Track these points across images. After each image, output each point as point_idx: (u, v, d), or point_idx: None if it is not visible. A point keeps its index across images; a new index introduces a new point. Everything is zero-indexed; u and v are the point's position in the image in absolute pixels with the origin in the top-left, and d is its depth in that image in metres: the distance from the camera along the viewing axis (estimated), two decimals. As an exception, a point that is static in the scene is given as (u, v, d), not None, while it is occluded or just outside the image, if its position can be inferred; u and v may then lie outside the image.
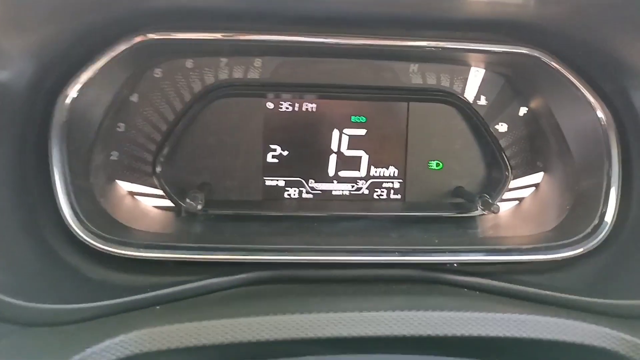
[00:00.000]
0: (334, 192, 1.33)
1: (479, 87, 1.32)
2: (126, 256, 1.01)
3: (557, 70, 1.14)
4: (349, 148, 1.31)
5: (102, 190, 1.16)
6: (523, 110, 1.33)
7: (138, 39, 1.04)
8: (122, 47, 1.04)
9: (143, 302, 0.93)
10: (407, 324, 0.83)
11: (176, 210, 1.27)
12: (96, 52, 1.05)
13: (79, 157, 1.09)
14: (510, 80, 1.31)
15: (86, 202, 1.06)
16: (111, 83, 1.16)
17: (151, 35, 1.05)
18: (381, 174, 1.33)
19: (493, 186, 1.31)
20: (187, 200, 1.16)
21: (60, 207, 1.01)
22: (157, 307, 0.92)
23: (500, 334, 0.84)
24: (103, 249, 1.01)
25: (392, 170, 1.33)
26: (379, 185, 1.33)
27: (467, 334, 0.83)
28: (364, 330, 0.83)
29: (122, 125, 1.24)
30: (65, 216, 1.01)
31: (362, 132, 1.30)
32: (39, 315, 0.86)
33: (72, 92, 1.04)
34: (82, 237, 1.00)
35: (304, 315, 0.81)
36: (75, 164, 1.07)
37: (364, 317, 0.84)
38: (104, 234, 1.02)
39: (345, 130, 1.30)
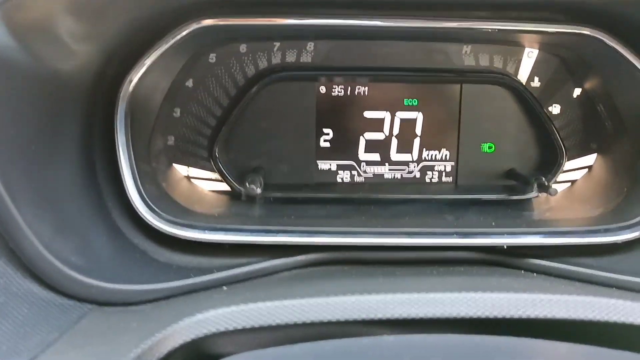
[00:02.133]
0: (385, 176, 1.34)
1: (533, 68, 1.30)
2: (191, 239, 1.04)
3: (617, 51, 1.12)
4: (401, 131, 1.31)
5: (163, 174, 1.19)
6: (577, 92, 1.31)
7: (195, 25, 1.06)
8: (180, 34, 1.06)
9: (210, 283, 0.96)
10: (472, 305, 0.84)
11: (232, 193, 1.29)
12: (156, 39, 1.07)
13: (141, 141, 1.13)
14: (565, 61, 1.29)
15: (150, 185, 1.10)
16: (169, 69, 1.19)
17: (208, 21, 1.07)
18: (433, 157, 1.33)
19: (547, 168, 1.30)
20: (247, 184, 1.18)
21: (128, 191, 1.05)
22: (224, 288, 0.95)
23: (566, 316, 0.84)
24: (169, 231, 1.04)
25: (444, 153, 1.33)
26: (430, 168, 1.34)
27: (532, 315, 0.83)
28: (429, 311, 0.84)
29: (177, 110, 1.26)
30: (132, 200, 1.04)
31: (414, 114, 1.31)
32: (113, 295, 0.89)
33: (135, 78, 1.07)
34: (149, 220, 1.04)
35: (371, 296, 0.83)
36: (139, 149, 1.10)
37: (428, 299, 0.85)
38: (169, 217, 1.05)
39: (398, 114, 1.30)
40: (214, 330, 0.77)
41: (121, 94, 1.06)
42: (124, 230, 1.05)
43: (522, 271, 1.06)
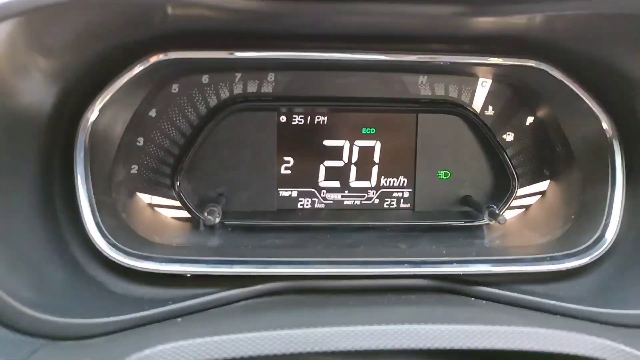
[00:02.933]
0: (345, 202, 1.37)
1: (486, 97, 1.35)
2: (148, 270, 1.06)
3: (563, 82, 1.17)
4: (359, 159, 1.35)
5: (123, 204, 1.21)
6: (529, 120, 1.36)
7: (155, 58, 1.09)
8: (140, 67, 1.09)
9: (165, 315, 0.98)
10: (416, 337, 0.87)
11: (193, 222, 1.31)
12: (116, 72, 1.09)
13: (102, 173, 1.15)
14: (517, 91, 1.34)
15: (109, 217, 1.11)
16: (131, 100, 1.21)
17: (168, 54, 1.10)
18: (391, 184, 1.37)
19: (500, 195, 1.35)
20: (205, 214, 1.21)
21: (85, 223, 1.06)
22: (179, 320, 0.97)
23: (505, 346, 0.87)
24: (126, 263, 1.05)
25: (401, 180, 1.37)
26: (389, 195, 1.37)
27: (472, 346, 0.86)
28: (375, 344, 0.87)
29: (141, 139, 1.29)
30: (89, 232, 1.06)
31: (372, 143, 1.34)
32: (67, 329, 0.91)
33: (94, 112, 1.09)
34: (106, 253, 1.05)
35: (319, 329, 0.86)
36: (99, 180, 1.12)
37: (374, 331, 0.87)
38: (126, 249, 1.07)
39: (356, 142, 1.34)
40: (162, 366, 0.79)
41: (80, 127, 1.08)
42: (81, 263, 1.06)
43: (472, 298, 1.10)
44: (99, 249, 1.06)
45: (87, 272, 1.06)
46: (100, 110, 1.10)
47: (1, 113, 0.91)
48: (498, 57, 1.18)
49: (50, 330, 0.89)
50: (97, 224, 1.07)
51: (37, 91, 0.99)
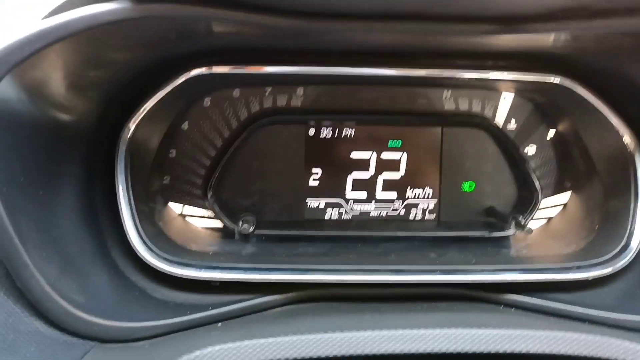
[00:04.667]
0: (372, 213, 1.40)
1: (509, 111, 1.38)
2: (187, 277, 1.09)
3: (584, 97, 1.21)
4: (386, 170, 1.39)
5: (159, 213, 1.25)
6: (551, 134, 1.40)
7: (191, 74, 1.13)
8: (177, 82, 1.13)
9: (205, 320, 1.02)
10: (452, 341, 0.90)
11: (225, 230, 1.35)
12: (154, 87, 1.14)
13: (140, 183, 1.19)
14: (539, 105, 1.38)
15: (148, 225, 1.15)
16: (166, 113, 1.25)
17: (203, 70, 1.14)
18: (417, 195, 1.40)
19: (524, 206, 1.38)
20: (241, 223, 1.24)
21: (127, 231, 1.10)
22: (219, 324, 1.01)
23: (537, 350, 0.90)
24: (167, 270, 1.09)
25: (427, 192, 1.40)
26: (414, 206, 1.40)
27: (508, 350, 0.89)
28: (412, 347, 0.90)
29: (173, 151, 1.33)
30: (131, 239, 1.10)
31: (398, 155, 1.38)
32: (114, 332, 0.94)
33: (134, 124, 1.14)
34: (147, 259, 1.09)
35: (358, 332, 0.89)
36: (137, 190, 1.16)
37: (411, 335, 0.91)
38: (166, 256, 1.10)
39: (383, 154, 1.37)
40: (211, 366, 0.82)
41: (121, 139, 1.13)
42: (123, 269, 1.10)
43: (501, 306, 1.13)
44: (140, 255, 1.09)
45: (129, 277, 1.09)
46: (139, 123, 1.14)
47: (48, 126, 0.95)
48: (521, 73, 1.22)
49: (100, 333, 0.92)
50: (137, 231, 1.11)
51: (82, 106, 1.03)
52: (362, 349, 0.88)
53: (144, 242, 1.10)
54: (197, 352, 0.83)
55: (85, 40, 0.87)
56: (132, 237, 1.10)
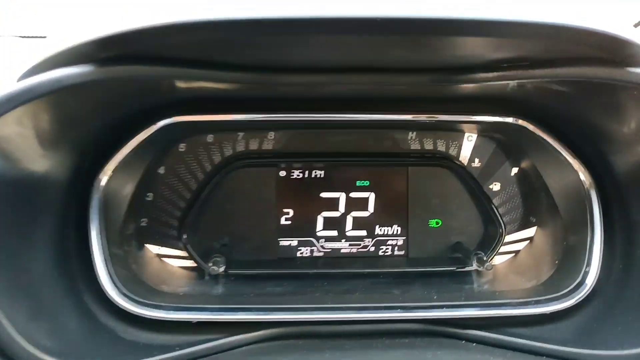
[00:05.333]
0: (342, 250, 1.45)
1: (472, 150, 1.44)
2: (157, 318, 1.13)
3: (541, 137, 1.27)
4: (355, 209, 1.43)
5: (134, 256, 1.29)
6: (514, 171, 1.45)
7: (160, 124, 1.20)
8: (148, 132, 1.20)
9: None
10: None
11: (198, 270, 1.39)
12: (128, 136, 1.20)
13: (114, 227, 1.24)
14: (501, 144, 1.44)
15: (120, 268, 1.19)
16: (141, 160, 1.30)
17: (175, 119, 1.21)
18: (385, 232, 1.45)
19: (489, 241, 1.42)
20: (210, 265, 1.29)
21: (98, 275, 1.15)
22: (185, 365, 1.04)
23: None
24: (137, 312, 1.13)
25: (395, 229, 1.45)
26: (383, 243, 1.45)
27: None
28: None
29: (150, 194, 1.38)
30: (102, 284, 1.14)
31: (366, 194, 1.43)
32: (83, 375, 0.98)
33: (107, 172, 1.19)
34: (118, 303, 1.13)
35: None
36: (111, 234, 1.21)
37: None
38: (137, 298, 1.14)
39: (352, 194, 1.43)
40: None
41: (94, 189, 1.18)
42: (94, 312, 1.14)
43: (462, 341, 1.16)
44: (111, 298, 1.14)
45: (99, 319, 1.13)
46: (113, 171, 1.20)
47: (24, 176, 1.00)
48: (480, 115, 1.29)
49: (67, 377, 0.96)
50: (109, 275, 1.15)
51: (55, 158, 1.08)
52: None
53: (115, 286, 1.15)
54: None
55: (53, 101, 0.93)
56: (103, 281, 1.14)
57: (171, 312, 1.14)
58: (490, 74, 0.98)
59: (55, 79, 0.84)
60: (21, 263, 1.00)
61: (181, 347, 1.08)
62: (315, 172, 1.42)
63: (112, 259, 1.17)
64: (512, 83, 1.12)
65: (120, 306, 1.13)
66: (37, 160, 1.02)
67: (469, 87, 1.13)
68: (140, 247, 1.36)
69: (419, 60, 1.00)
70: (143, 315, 1.13)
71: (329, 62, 0.99)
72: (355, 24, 0.76)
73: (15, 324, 0.91)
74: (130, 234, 1.31)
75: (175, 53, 0.90)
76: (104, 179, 1.19)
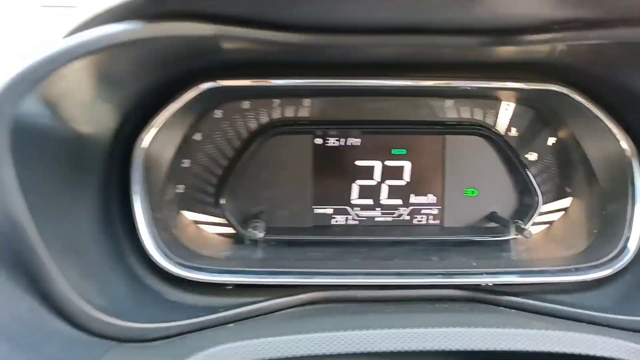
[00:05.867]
0: (377, 219, 1.45)
1: (510, 119, 1.43)
2: (200, 280, 1.15)
3: (583, 105, 1.25)
4: (390, 178, 1.43)
5: (173, 220, 1.30)
6: (552, 140, 1.44)
7: (202, 88, 1.19)
8: (189, 95, 1.19)
9: (217, 321, 1.06)
10: (453, 340, 0.94)
11: (236, 236, 1.40)
12: (168, 100, 1.20)
13: (154, 192, 1.24)
14: (539, 113, 1.42)
15: (162, 232, 1.20)
16: (180, 125, 1.31)
17: (213, 84, 1.20)
18: (421, 201, 1.45)
19: (525, 211, 1.42)
20: (250, 229, 1.30)
21: (142, 238, 1.16)
22: (231, 325, 1.06)
23: (534, 349, 0.94)
24: (181, 274, 1.14)
25: (430, 198, 1.45)
26: (418, 212, 1.45)
27: (505, 348, 0.93)
28: (415, 345, 0.94)
29: (186, 161, 1.39)
30: (146, 246, 1.15)
31: (402, 163, 1.43)
32: (132, 332, 0.99)
33: (148, 136, 1.19)
34: (162, 265, 1.15)
35: (361, 331, 0.93)
36: (152, 198, 1.22)
37: (414, 333, 0.95)
38: (180, 261, 1.16)
39: (387, 162, 1.43)
40: (223, 364, 0.87)
41: (136, 151, 1.19)
42: (139, 274, 1.15)
43: (502, 307, 1.17)
44: (155, 261, 1.15)
45: (145, 282, 1.15)
46: (154, 135, 1.20)
47: (68, 139, 1.01)
48: (520, 82, 1.27)
49: (119, 333, 0.97)
50: (153, 238, 1.16)
51: (99, 119, 1.09)
52: (368, 346, 0.92)
53: (159, 248, 1.16)
54: (210, 350, 0.88)
55: (100, 60, 0.93)
56: (147, 244, 1.15)
57: (215, 274, 1.16)
58: (542, 36, 0.97)
59: (107, 35, 0.84)
60: (71, 222, 1.01)
61: (226, 308, 1.09)
62: (351, 140, 1.42)
63: (154, 223, 1.18)
64: (560, 46, 1.10)
65: (165, 268, 1.15)
66: (83, 120, 1.02)
67: (513, 51, 1.12)
68: (178, 212, 1.37)
69: (469, 21, 0.99)
70: (187, 277, 1.15)
71: (379, 23, 0.98)
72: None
73: (70, 282, 0.92)
74: (169, 199, 1.32)
75: (225, 11, 0.90)
76: (145, 141, 1.19)
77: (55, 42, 0.87)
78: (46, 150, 0.95)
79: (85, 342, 0.94)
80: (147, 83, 1.15)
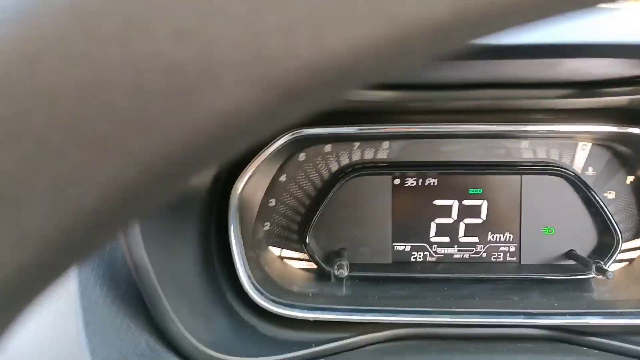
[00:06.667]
0: (455, 256, 1.50)
1: (587, 159, 1.45)
2: (293, 317, 1.23)
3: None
4: (467, 217, 1.48)
5: (264, 258, 1.40)
6: (630, 179, 1.45)
7: (294, 134, 1.29)
8: (280, 142, 1.30)
9: (310, 355, 1.14)
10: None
11: (318, 272, 1.48)
12: (261, 148, 1.30)
13: (247, 231, 1.35)
14: (617, 153, 1.44)
15: (256, 270, 1.30)
16: (269, 169, 1.41)
17: (305, 131, 1.30)
18: (498, 239, 1.48)
19: (604, 250, 1.43)
20: (337, 268, 1.38)
21: (239, 275, 1.25)
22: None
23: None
24: (274, 310, 1.23)
25: (507, 236, 1.48)
26: (495, 249, 1.49)
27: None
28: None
29: (272, 200, 1.49)
30: (243, 283, 1.25)
31: (479, 202, 1.47)
32: (235, 366, 1.09)
33: (242, 181, 1.30)
34: (257, 301, 1.24)
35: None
36: (246, 238, 1.32)
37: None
38: (273, 297, 1.25)
39: (464, 202, 1.47)
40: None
41: (232, 195, 1.29)
42: (236, 310, 1.25)
43: (585, 348, 1.19)
44: (252, 297, 1.24)
45: (242, 317, 1.24)
46: (247, 179, 1.31)
47: (185, 192, 1.12)
48: (598, 125, 1.30)
49: (223, 367, 1.07)
50: (247, 275, 1.26)
51: (202, 174, 1.20)
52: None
53: (254, 286, 1.25)
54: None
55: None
56: (244, 281, 1.25)
57: (305, 311, 1.24)
58: (624, 89, 1.01)
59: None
60: (179, 264, 1.12)
61: (317, 344, 1.17)
62: (429, 180, 1.48)
63: (248, 261, 1.28)
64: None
65: (260, 305, 1.24)
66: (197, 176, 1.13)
67: (594, 101, 1.15)
68: (266, 249, 1.46)
69: (551, 76, 1.04)
70: (281, 314, 1.23)
71: (467, 79, 1.05)
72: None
73: (181, 319, 1.02)
74: (259, 238, 1.42)
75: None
76: (240, 186, 1.29)
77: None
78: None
79: (195, 377, 1.04)
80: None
